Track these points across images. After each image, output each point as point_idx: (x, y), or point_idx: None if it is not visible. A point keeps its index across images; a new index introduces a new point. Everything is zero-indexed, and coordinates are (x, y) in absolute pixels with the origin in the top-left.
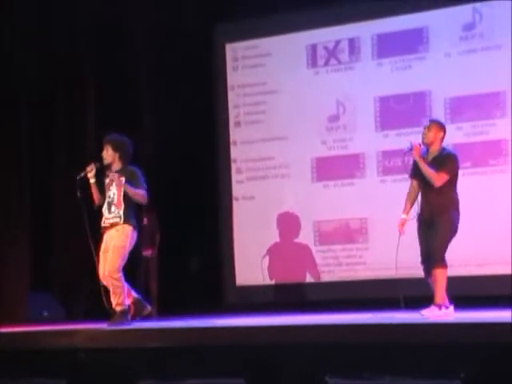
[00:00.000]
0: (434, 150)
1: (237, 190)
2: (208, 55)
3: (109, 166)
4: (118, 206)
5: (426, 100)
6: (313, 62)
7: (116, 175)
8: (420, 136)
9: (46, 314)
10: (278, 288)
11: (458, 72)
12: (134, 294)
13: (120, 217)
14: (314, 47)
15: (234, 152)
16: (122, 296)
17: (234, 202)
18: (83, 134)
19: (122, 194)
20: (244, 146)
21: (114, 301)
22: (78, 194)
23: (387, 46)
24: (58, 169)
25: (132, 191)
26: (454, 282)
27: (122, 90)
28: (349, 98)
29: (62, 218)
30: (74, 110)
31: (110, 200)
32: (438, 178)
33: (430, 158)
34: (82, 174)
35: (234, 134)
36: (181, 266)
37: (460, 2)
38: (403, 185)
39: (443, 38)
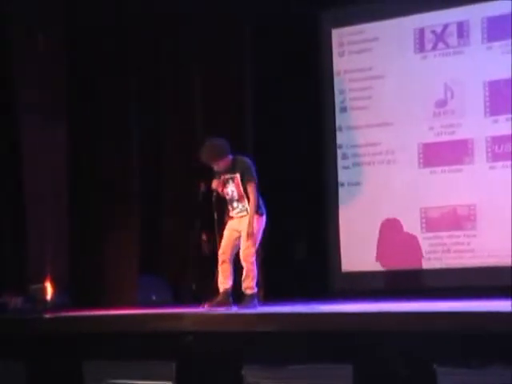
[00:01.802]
0: None
1: (342, 175)
2: (314, 41)
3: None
4: (240, 201)
5: None
6: (420, 47)
7: (233, 178)
8: None
9: (154, 297)
10: (384, 274)
11: None
12: (230, 285)
13: (246, 209)
14: (421, 31)
15: (340, 137)
16: (253, 280)
17: (340, 188)
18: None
19: (242, 188)
20: (350, 132)
21: (244, 283)
22: (215, 215)
23: (497, 29)
24: (170, 153)
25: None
26: None
27: (227, 83)
28: (457, 82)
29: (172, 202)
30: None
31: (229, 197)
32: None
33: None
34: (215, 194)
35: (340, 119)
36: (287, 252)
37: None
38: None
39: None
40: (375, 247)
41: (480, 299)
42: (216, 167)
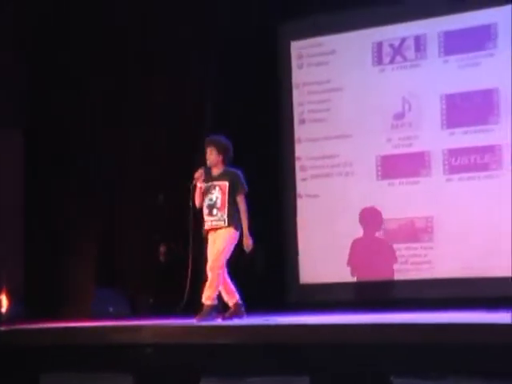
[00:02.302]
0: None
1: (301, 187)
2: (273, 53)
3: (209, 168)
4: (221, 210)
5: (493, 98)
6: (378, 60)
7: (221, 184)
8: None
9: (111, 309)
10: (342, 286)
11: None
12: (238, 297)
13: (224, 220)
14: (379, 45)
15: (299, 150)
16: (215, 292)
17: (298, 200)
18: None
19: (226, 198)
20: (308, 144)
21: (205, 294)
22: (191, 203)
23: (454, 44)
24: (127, 166)
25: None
26: None
27: (186, 89)
28: (414, 95)
29: (128, 214)
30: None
31: (211, 203)
32: None
33: None
34: (194, 182)
35: (299, 131)
36: (245, 264)
37: None
38: (470, 183)
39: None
40: (333, 259)
41: (436, 311)
42: (209, 154)
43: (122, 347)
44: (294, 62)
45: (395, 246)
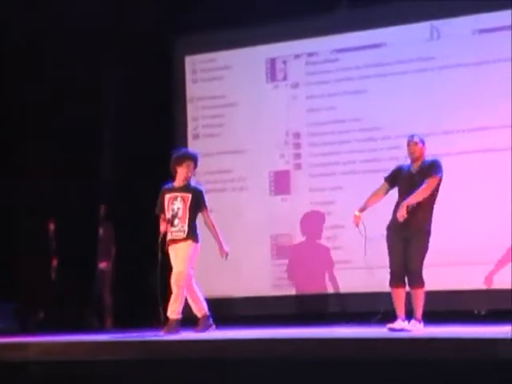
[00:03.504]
0: (419, 162)
1: None
2: (167, 67)
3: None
4: (182, 221)
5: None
6: (272, 76)
7: (184, 196)
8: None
9: None
10: (237, 301)
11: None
12: (206, 309)
13: (184, 231)
14: (273, 61)
15: None
16: (180, 306)
17: None
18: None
19: (188, 209)
20: (202, 159)
21: (170, 307)
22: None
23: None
24: (24, 184)
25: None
26: None
27: (80, 103)
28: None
29: (20, 230)
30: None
31: (173, 213)
32: (429, 186)
33: (416, 169)
34: (161, 235)
35: (193, 146)
36: (138, 278)
37: (418, 19)
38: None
39: (401, 55)
40: (226, 274)
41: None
42: (187, 167)
43: (7, 365)
44: (189, 77)
45: (283, 262)
